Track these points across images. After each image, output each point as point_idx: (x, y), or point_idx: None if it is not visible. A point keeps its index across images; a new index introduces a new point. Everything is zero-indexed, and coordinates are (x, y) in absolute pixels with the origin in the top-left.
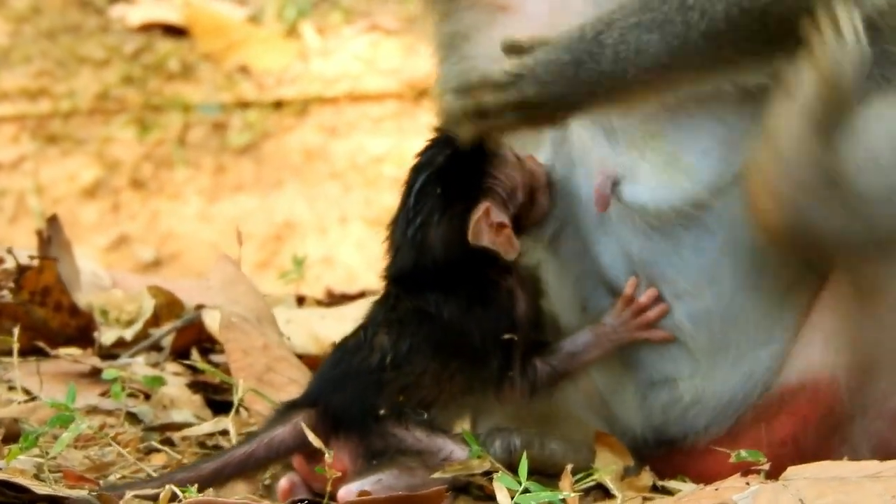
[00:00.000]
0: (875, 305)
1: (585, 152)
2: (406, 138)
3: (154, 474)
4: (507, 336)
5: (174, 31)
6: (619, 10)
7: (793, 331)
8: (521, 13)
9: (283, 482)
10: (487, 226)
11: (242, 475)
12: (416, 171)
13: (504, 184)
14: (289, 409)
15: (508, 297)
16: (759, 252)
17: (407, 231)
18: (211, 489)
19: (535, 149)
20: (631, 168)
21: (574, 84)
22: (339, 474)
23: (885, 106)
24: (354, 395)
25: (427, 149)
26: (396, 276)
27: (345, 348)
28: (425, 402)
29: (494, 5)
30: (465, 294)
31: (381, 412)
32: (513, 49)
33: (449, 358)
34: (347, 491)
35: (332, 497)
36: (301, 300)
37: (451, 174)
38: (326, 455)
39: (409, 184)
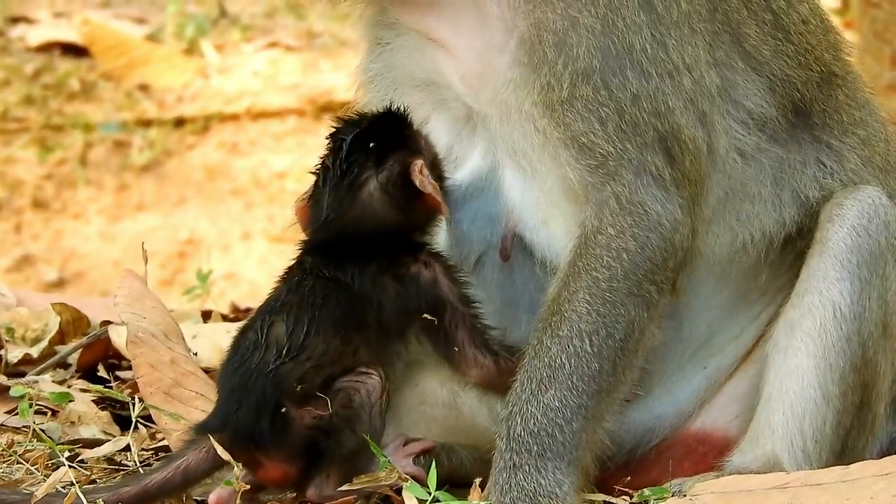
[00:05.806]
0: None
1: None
2: (307, 154)
3: (63, 491)
4: (427, 317)
5: (74, 51)
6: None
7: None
8: (452, 49)
9: (213, 497)
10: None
11: (162, 502)
12: (340, 132)
13: (428, 151)
14: (201, 431)
15: (426, 269)
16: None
17: (339, 187)
18: None
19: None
20: (534, 227)
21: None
22: (248, 487)
23: None
24: (258, 405)
25: (341, 126)
26: (315, 245)
27: (242, 347)
28: (330, 379)
29: (426, 38)
30: (380, 267)
31: (284, 410)
32: None
33: (352, 332)
34: None
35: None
36: (206, 315)
37: (380, 134)
38: (236, 469)
39: (335, 146)
